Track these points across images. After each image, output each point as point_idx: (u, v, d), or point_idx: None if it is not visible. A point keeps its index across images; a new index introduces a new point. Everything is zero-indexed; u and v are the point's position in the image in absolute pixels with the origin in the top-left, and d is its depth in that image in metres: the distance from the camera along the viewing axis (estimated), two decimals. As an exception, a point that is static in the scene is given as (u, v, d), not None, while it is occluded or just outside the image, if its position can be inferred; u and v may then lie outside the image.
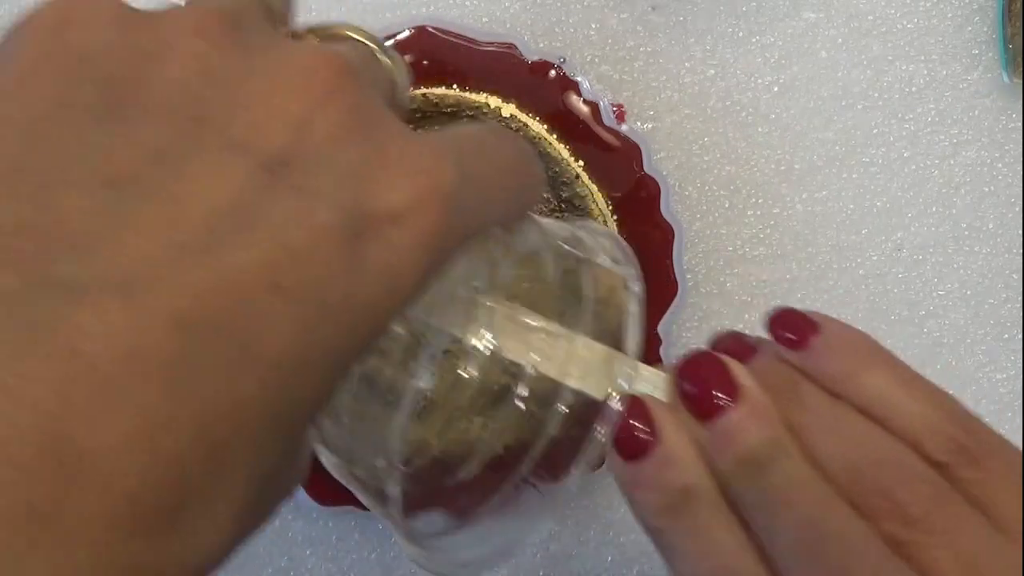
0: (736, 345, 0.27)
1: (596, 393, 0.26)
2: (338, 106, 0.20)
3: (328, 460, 0.28)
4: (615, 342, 0.26)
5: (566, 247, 0.28)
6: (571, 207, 0.42)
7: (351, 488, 0.28)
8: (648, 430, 0.25)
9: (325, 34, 0.25)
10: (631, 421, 0.25)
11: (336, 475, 0.28)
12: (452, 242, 0.20)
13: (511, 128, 0.41)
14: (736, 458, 0.25)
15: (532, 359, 0.26)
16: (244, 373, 0.17)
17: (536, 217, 0.27)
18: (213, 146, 0.18)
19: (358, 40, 0.25)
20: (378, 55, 0.24)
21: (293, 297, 0.17)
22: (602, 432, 0.26)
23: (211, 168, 0.18)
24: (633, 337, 0.27)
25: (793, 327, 0.27)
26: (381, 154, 0.19)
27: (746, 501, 0.25)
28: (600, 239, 0.29)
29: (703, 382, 0.26)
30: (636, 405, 0.26)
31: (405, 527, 0.27)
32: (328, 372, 0.19)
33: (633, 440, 0.25)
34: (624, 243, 0.29)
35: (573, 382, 0.26)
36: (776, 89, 0.44)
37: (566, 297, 0.27)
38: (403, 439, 0.25)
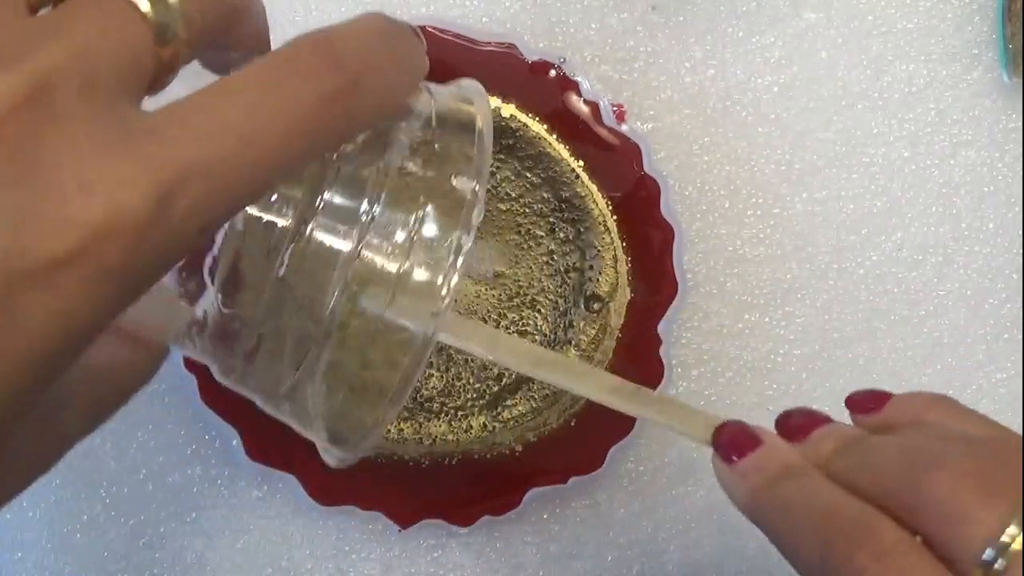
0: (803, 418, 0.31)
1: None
2: None
3: (226, 381, 0.29)
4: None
5: (408, 163, 0.28)
6: (571, 207, 0.42)
7: (276, 415, 0.29)
8: (754, 436, 0.30)
9: None
10: (736, 433, 0.30)
11: (242, 390, 0.29)
12: (161, 256, 0.19)
13: (511, 128, 0.41)
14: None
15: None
16: None
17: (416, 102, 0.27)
18: None
19: None
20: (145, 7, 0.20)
21: None
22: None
23: None
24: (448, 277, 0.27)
25: (867, 398, 0.31)
26: (46, 194, 0.18)
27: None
28: (459, 142, 0.28)
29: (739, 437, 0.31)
30: (739, 427, 0.30)
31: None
32: None
33: (742, 441, 0.30)
34: (486, 147, 0.28)
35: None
36: (776, 89, 0.44)
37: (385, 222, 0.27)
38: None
